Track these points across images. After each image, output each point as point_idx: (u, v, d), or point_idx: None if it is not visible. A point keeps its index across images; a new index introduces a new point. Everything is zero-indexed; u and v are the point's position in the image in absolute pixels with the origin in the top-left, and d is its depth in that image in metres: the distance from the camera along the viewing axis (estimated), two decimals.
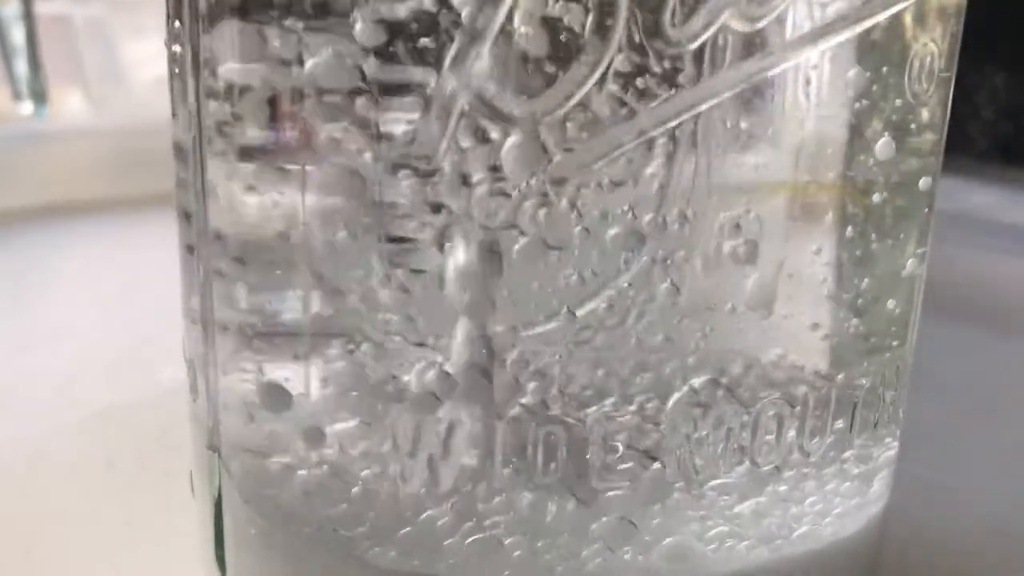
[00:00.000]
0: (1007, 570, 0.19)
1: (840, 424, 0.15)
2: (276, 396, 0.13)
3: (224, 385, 0.14)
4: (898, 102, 0.14)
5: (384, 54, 0.12)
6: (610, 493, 0.14)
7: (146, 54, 0.57)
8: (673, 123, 0.12)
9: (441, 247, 0.12)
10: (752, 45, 0.12)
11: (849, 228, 0.14)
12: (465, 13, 0.12)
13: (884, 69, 0.13)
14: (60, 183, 0.47)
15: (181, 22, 0.13)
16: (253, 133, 0.13)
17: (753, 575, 0.15)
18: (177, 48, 0.14)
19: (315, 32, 0.12)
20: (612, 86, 0.12)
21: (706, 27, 0.12)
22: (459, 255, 0.13)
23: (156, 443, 0.21)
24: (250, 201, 0.13)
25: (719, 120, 0.13)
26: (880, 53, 0.13)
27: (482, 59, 0.12)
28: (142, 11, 0.57)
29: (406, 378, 0.13)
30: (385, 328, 0.13)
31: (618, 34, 0.12)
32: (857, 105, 0.13)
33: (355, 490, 0.14)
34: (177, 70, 0.14)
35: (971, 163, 0.52)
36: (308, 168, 0.13)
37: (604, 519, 0.14)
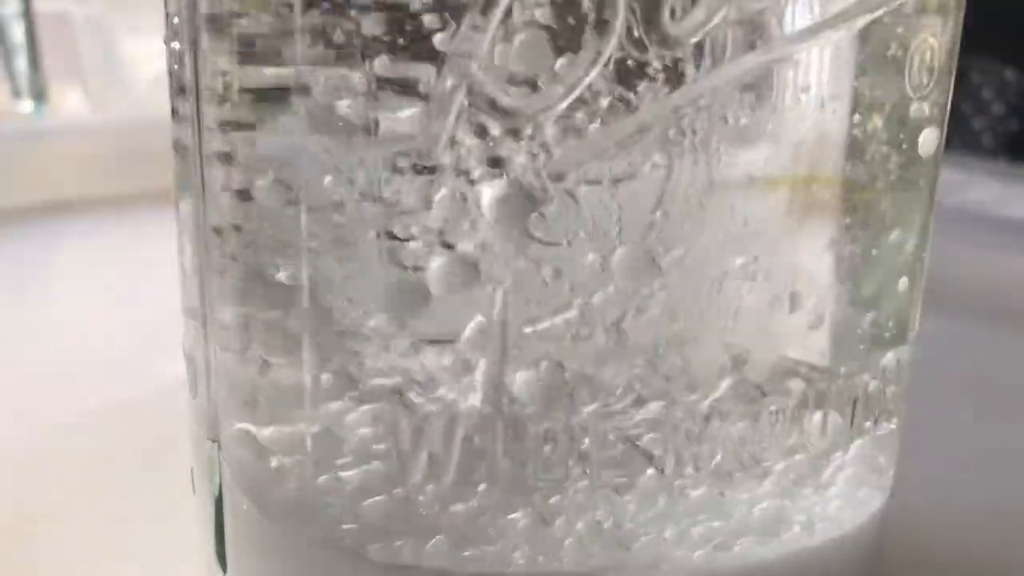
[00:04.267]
0: (1007, 566, 0.19)
1: (841, 420, 0.15)
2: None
3: (223, 380, 0.14)
4: (898, 97, 0.14)
5: (384, 49, 0.12)
6: (609, 489, 0.14)
7: (145, 52, 0.57)
8: (673, 118, 0.12)
9: (441, 243, 0.12)
10: (752, 40, 0.12)
11: (850, 223, 0.14)
12: (465, 8, 0.12)
13: (884, 64, 0.13)
14: (60, 180, 0.47)
15: (180, 19, 0.13)
16: (250, 128, 0.13)
17: (754, 571, 0.15)
18: (176, 45, 0.14)
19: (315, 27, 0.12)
20: (611, 81, 0.12)
21: (705, 21, 0.12)
22: (459, 251, 0.13)
23: (157, 439, 0.21)
24: (248, 197, 0.13)
25: (719, 115, 0.12)
26: (880, 48, 0.13)
27: (482, 54, 0.12)
28: (141, 9, 0.57)
29: (406, 373, 0.13)
30: (386, 324, 0.13)
31: (617, 29, 0.12)
32: (857, 100, 0.13)
33: (356, 485, 0.14)
34: (176, 67, 0.14)
35: (977, 158, 0.52)
36: (307, 163, 0.13)
37: (603, 515, 0.14)
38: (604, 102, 0.12)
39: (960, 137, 0.54)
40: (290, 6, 0.12)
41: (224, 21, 0.13)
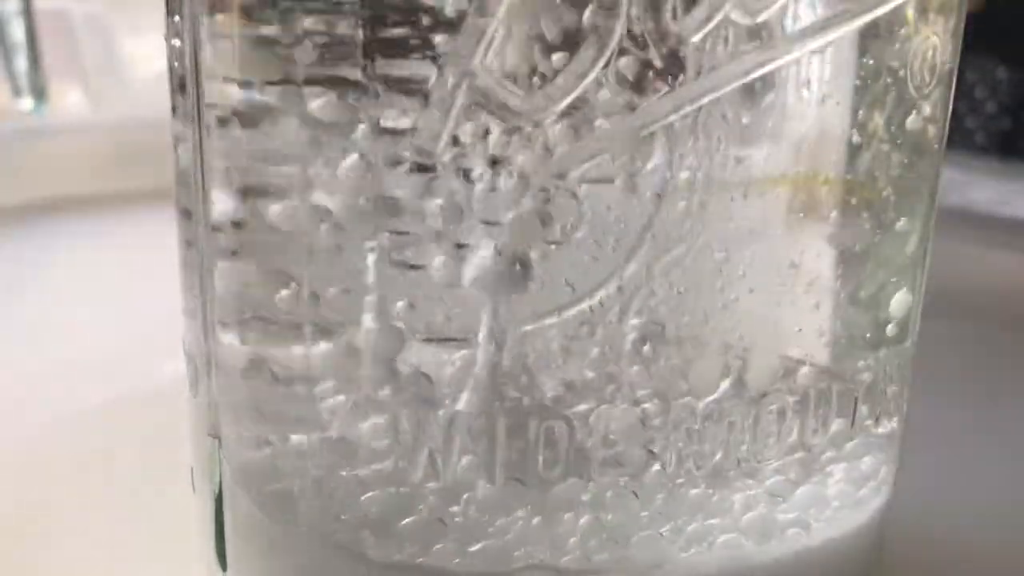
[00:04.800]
0: (1007, 566, 0.19)
1: (841, 419, 0.15)
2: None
3: (223, 379, 0.14)
4: (900, 96, 0.14)
5: (385, 46, 0.12)
6: (610, 487, 0.14)
7: (145, 50, 0.57)
8: (674, 117, 0.12)
9: (441, 242, 0.12)
10: (753, 38, 0.12)
11: (851, 222, 0.14)
12: (466, 6, 0.12)
13: (885, 63, 0.13)
14: (60, 179, 0.47)
15: (180, 16, 0.13)
16: (251, 127, 0.13)
17: (754, 570, 0.15)
18: (176, 42, 0.14)
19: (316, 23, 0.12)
20: (613, 80, 0.12)
21: (707, 20, 0.12)
22: (460, 250, 0.12)
23: (157, 438, 0.21)
24: (249, 195, 0.13)
25: (720, 114, 0.12)
26: (881, 46, 0.13)
27: (483, 52, 0.12)
28: (141, 7, 0.57)
29: (407, 371, 0.13)
30: (385, 322, 0.13)
31: (619, 28, 0.12)
32: (858, 99, 0.13)
33: (356, 484, 0.14)
34: (176, 64, 0.14)
35: (970, 157, 0.52)
36: (308, 161, 0.13)
37: (604, 513, 0.14)
38: (605, 101, 0.12)
39: (955, 135, 0.54)
40: (291, 5, 0.12)
41: (224, 19, 0.13)
